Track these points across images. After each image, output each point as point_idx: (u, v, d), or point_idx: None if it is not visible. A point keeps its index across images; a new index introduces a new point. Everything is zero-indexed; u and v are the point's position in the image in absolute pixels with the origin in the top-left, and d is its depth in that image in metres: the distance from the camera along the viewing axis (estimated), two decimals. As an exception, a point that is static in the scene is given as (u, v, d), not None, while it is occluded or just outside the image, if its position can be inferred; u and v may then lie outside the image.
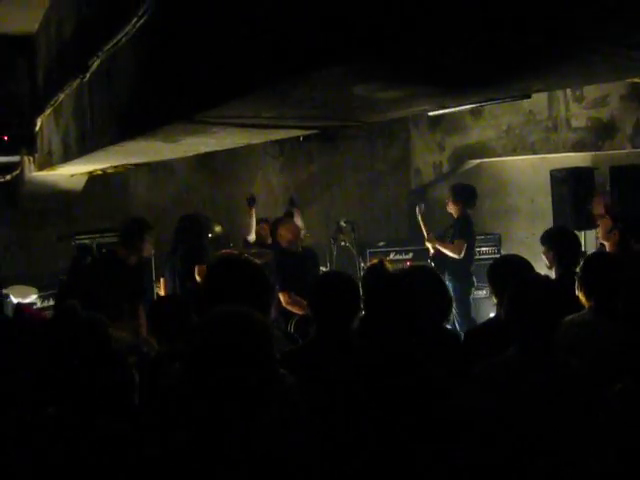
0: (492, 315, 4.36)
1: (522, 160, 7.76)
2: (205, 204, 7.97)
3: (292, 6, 2.06)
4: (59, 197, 7.39)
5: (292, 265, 5.63)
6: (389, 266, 3.86)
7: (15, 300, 5.39)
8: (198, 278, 5.49)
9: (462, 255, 6.63)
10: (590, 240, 6.00)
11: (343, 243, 6.73)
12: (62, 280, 5.63)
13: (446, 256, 6.73)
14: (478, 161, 8.25)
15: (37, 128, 6.44)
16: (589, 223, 5.75)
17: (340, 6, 1.84)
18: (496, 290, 3.37)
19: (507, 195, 8.21)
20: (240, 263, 2.79)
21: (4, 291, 5.26)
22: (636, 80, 4.64)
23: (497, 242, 7.89)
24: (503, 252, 7.47)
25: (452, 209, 6.87)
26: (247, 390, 1.91)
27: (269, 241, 6.69)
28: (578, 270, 3.47)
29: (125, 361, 2.61)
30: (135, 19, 3.17)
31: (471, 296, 6.83)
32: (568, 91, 6.57)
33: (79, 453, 2.07)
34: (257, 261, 3.08)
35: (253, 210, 6.87)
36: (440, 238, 6.91)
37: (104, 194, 7.74)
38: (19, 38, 6.58)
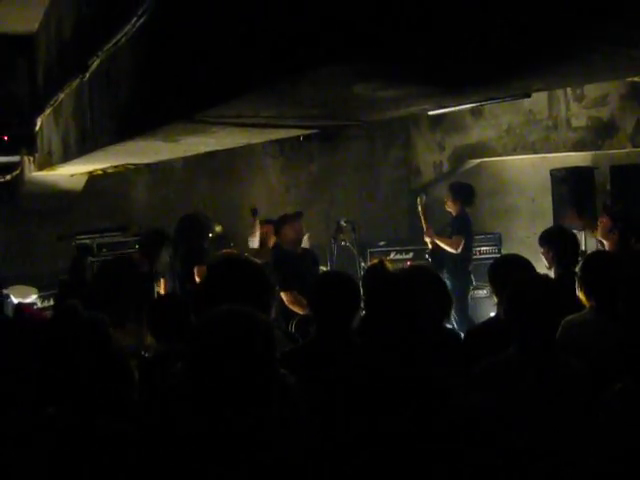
0: (492, 315, 4.35)
1: (522, 159, 7.75)
2: (205, 204, 7.97)
3: (291, 5, 2.05)
4: (59, 197, 7.39)
5: (292, 264, 5.61)
6: (389, 266, 3.87)
7: (15, 300, 5.41)
8: (198, 279, 5.49)
9: (459, 250, 6.70)
10: (590, 240, 5.99)
11: (343, 243, 6.73)
12: (62, 280, 5.63)
13: (444, 253, 6.76)
14: (478, 160, 8.25)
15: (37, 128, 6.45)
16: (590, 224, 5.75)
17: (340, 6, 1.84)
18: (496, 289, 3.37)
19: (507, 194, 8.20)
20: (240, 263, 2.79)
21: (4, 291, 5.28)
22: (636, 79, 4.64)
23: (497, 241, 7.90)
24: (503, 251, 7.47)
25: (451, 207, 6.95)
26: (250, 390, 1.90)
27: (270, 243, 6.68)
28: (577, 270, 3.47)
29: (125, 361, 2.60)
30: (135, 19, 3.17)
31: (469, 295, 6.85)
32: (568, 90, 6.57)
33: (79, 453, 2.06)
34: (257, 261, 3.07)
35: (257, 220, 6.86)
36: (438, 234, 6.96)
37: (104, 194, 7.74)
38: (19, 38, 6.59)
